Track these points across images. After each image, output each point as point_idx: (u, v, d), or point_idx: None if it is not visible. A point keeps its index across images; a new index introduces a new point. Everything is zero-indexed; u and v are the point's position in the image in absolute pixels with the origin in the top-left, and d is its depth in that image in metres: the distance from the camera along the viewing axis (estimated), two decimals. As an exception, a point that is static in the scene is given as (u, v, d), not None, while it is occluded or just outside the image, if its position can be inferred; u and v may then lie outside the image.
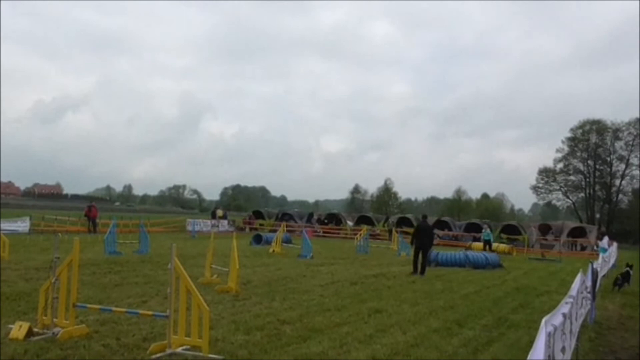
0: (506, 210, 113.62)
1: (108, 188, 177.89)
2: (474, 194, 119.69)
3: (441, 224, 49.19)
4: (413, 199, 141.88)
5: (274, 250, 25.20)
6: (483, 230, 36.48)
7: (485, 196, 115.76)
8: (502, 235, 44.47)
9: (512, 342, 8.85)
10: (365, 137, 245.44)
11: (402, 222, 49.09)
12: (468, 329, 9.72)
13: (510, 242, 40.51)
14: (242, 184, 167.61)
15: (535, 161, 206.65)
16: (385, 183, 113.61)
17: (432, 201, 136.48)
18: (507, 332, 9.66)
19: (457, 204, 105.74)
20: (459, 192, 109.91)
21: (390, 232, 42.77)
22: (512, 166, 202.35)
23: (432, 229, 21.22)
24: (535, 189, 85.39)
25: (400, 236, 32.63)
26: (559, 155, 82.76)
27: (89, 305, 8.36)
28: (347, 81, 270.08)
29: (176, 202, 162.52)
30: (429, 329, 9.50)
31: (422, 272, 18.66)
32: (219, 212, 51.00)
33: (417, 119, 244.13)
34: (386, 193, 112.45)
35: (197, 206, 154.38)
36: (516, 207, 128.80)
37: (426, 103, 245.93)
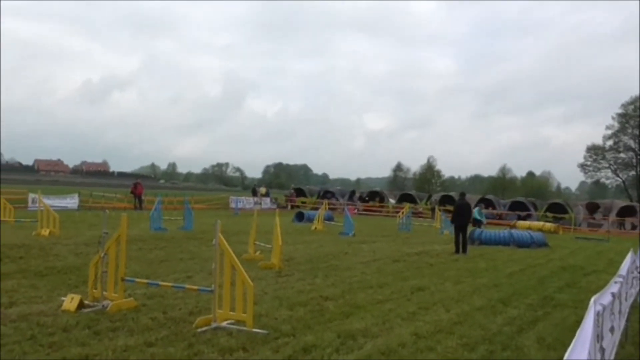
0: (552, 188, 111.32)
1: (153, 166, 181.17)
2: (519, 172, 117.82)
3: (485, 203, 48.54)
4: (456, 176, 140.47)
5: (316, 228, 25.33)
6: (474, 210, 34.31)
7: (530, 174, 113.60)
8: (548, 214, 43.61)
9: (558, 322, 8.71)
10: (407, 114, 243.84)
11: (445, 200, 48.56)
12: (512, 307, 9.60)
13: (556, 221, 39.71)
14: (284, 161, 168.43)
15: (583, 138, 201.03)
16: (428, 161, 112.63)
17: (475, 179, 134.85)
18: (553, 312, 9.51)
19: (502, 182, 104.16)
20: (503, 170, 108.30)
21: (433, 210, 42.44)
22: (558, 143, 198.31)
23: (470, 207, 20.91)
24: (583, 166, 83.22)
25: (443, 214, 32.36)
26: (609, 132, 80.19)
27: (136, 280, 8.55)
28: (389, 58, 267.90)
29: (219, 180, 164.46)
30: (472, 307, 9.42)
31: (464, 250, 18.48)
32: (262, 190, 51.41)
33: (460, 95, 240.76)
34: (429, 171, 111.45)
35: (240, 184, 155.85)
36: (563, 186, 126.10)
37: (469, 79, 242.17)
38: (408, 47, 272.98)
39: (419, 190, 77.11)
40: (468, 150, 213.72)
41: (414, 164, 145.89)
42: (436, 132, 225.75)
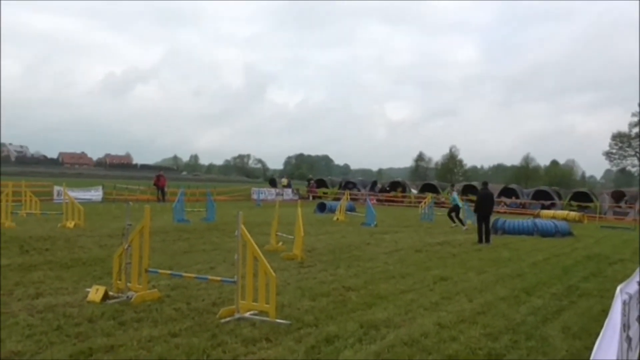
0: (576, 177, 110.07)
1: (175, 158, 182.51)
2: (543, 160, 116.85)
3: (508, 192, 48.13)
4: (479, 166, 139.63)
5: (337, 219, 25.33)
6: (450, 195, 32.25)
7: (554, 163, 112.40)
8: (572, 202, 43.08)
9: (584, 311, 8.60)
10: (429, 103, 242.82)
11: (468, 189, 48.23)
12: (537, 297, 9.51)
13: (581, 210, 39.21)
14: (306, 152, 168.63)
15: (608, 126, 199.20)
16: (450, 150, 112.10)
17: (498, 168, 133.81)
18: (578, 301, 9.40)
19: (525, 171, 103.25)
20: (526, 159, 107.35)
21: (455, 200, 42.13)
22: (583, 131, 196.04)
23: (493, 197, 20.72)
24: (608, 154, 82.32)
25: (466, 204, 32.13)
26: (635, 119, 79.08)
27: (160, 271, 8.62)
28: (412, 47, 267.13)
29: (241, 171, 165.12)
30: (495, 296, 9.35)
31: (487, 240, 18.34)
32: (284, 181, 51.57)
33: (483, 84, 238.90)
34: (451, 160, 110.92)
35: (262, 175, 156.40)
36: (587, 174, 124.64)
37: (492, 68, 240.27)
38: (431, 35, 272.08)
39: (441, 180, 76.72)
40: (491, 140, 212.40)
41: (436, 154, 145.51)
42: (459, 121, 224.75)
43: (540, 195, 45.85)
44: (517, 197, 46.98)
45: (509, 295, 9.49)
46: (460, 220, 24.83)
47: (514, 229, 22.24)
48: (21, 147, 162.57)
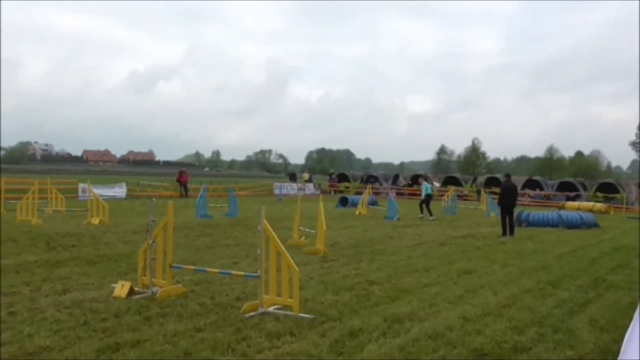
0: (602, 167, 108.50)
1: (197, 154, 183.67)
2: (567, 151, 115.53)
3: (532, 184, 47.63)
4: (502, 158, 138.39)
5: (360, 213, 25.29)
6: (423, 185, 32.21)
7: (579, 154, 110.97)
8: (598, 194, 42.51)
9: (611, 304, 8.48)
10: (452, 95, 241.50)
11: (491, 182, 47.83)
12: (563, 289, 9.40)
13: (607, 201, 38.68)
14: (327, 147, 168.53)
15: (634, 116, 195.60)
16: (473, 143, 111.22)
17: (522, 160, 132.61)
18: (605, 293, 9.26)
19: (549, 163, 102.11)
20: (551, 150, 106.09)
21: (478, 192, 41.87)
22: (609, 122, 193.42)
23: (517, 189, 20.50)
24: (635, 144, 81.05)
25: (489, 197, 31.90)
26: (661, 108, 77.60)
27: (184, 266, 8.67)
28: (435, 39, 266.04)
29: (262, 167, 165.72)
30: (521, 289, 9.26)
31: (512, 232, 18.17)
32: (305, 176, 51.57)
33: (507, 75, 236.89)
34: (474, 153, 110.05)
35: (283, 170, 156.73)
36: (613, 165, 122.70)
37: (516, 58, 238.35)
38: (453, 26, 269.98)
39: (463, 173, 76.26)
40: (514, 131, 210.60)
41: (459, 147, 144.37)
42: (481, 113, 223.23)
43: (565, 186, 45.32)
44: (541, 189, 46.47)
45: (534, 288, 9.39)
46: (429, 211, 24.20)
47: (538, 221, 22.00)
48: (46, 145, 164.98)
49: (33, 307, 7.10)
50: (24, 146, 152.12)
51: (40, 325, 6.32)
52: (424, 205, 24.64)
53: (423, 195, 25.07)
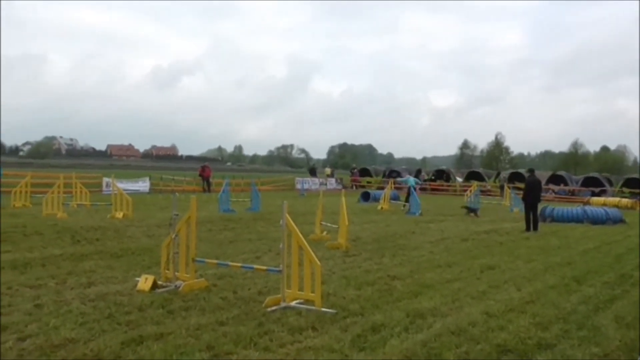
0: (628, 162, 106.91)
1: (219, 149, 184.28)
2: (593, 146, 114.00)
3: (556, 179, 47.06)
4: (525, 153, 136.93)
5: (382, 208, 25.23)
6: (404, 177, 34.64)
7: (604, 149, 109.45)
8: (624, 189, 41.85)
9: (637, 300, 8.34)
10: (474, 90, 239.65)
11: (515, 177, 47.35)
12: (587, 285, 9.27)
13: (634, 197, 38.05)
14: (349, 142, 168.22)
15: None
16: (496, 138, 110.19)
17: (546, 155, 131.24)
18: (632, 290, 9.11)
19: (574, 158, 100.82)
20: (575, 145, 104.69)
21: (501, 187, 41.49)
22: (635, 116, 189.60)
23: (541, 184, 20.26)
24: (661, 139, 79.39)
25: (512, 192, 31.60)
26: (689, 102, 76.11)
27: (207, 260, 8.73)
28: (457, 33, 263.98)
29: (284, 162, 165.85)
30: (545, 285, 9.16)
31: (535, 228, 17.98)
32: (327, 170, 51.52)
33: (531, 69, 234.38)
34: (497, 148, 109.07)
35: (305, 165, 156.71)
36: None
37: (540, 52, 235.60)
38: (475, 21, 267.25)
39: (486, 168, 75.58)
40: (538, 126, 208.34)
41: (482, 141, 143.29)
42: (504, 107, 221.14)
43: (590, 182, 44.68)
44: (566, 184, 45.87)
45: (558, 284, 9.29)
46: (406, 200, 25.61)
47: (562, 217, 21.74)
48: (71, 140, 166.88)
49: (59, 299, 7.20)
50: (49, 141, 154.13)
51: (66, 317, 6.40)
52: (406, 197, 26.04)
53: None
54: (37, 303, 6.99)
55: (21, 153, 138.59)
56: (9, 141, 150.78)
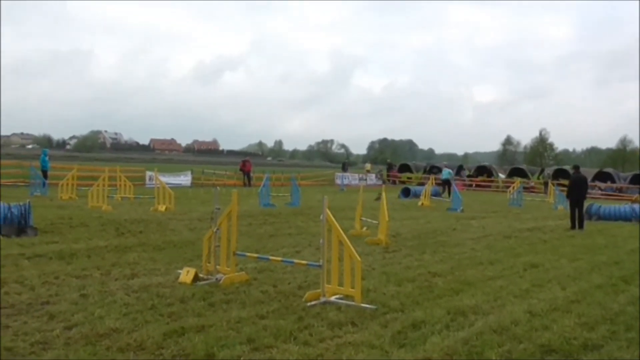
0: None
1: (260, 144, 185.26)
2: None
3: (603, 176, 45.91)
4: (571, 149, 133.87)
5: (422, 204, 25.03)
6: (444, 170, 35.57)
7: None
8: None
9: (689, 303, 8.07)
10: (519, 85, 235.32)
11: (559, 174, 46.39)
12: (636, 286, 8.99)
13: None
14: (389, 137, 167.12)
15: None
16: (540, 134, 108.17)
17: (592, 152, 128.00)
18: (682, 292, 8.82)
19: (622, 155, 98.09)
20: (624, 141, 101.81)
21: (546, 184, 40.69)
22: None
23: (587, 181, 19.77)
24: None
25: (557, 189, 30.96)
26: None
27: (247, 254, 8.79)
28: (503, 27, 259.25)
29: (324, 157, 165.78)
30: (591, 284, 8.93)
31: (581, 226, 17.58)
32: (367, 166, 51.38)
33: (578, 63, 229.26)
34: (541, 144, 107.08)
35: (345, 160, 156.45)
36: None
37: (589, 46, 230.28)
38: (522, 15, 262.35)
39: (530, 164, 74.27)
40: (584, 122, 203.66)
41: (525, 137, 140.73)
42: (549, 103, 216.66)
43: (638, 179, 43.43)
44: (613, 182, 44.70)
45: (605, 284, 9.04)
46: (449, 193, 27.23)
47: (609, 215, 21.18)
48: (115, 134, 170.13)
49: (103, 290, 7.36)
50: (95, 135, 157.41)
51: (110, 308, 6.53)
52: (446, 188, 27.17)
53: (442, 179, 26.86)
54: (83, 293, 7.15)
55: (68, 147, 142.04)
56: (56, 135, 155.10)
